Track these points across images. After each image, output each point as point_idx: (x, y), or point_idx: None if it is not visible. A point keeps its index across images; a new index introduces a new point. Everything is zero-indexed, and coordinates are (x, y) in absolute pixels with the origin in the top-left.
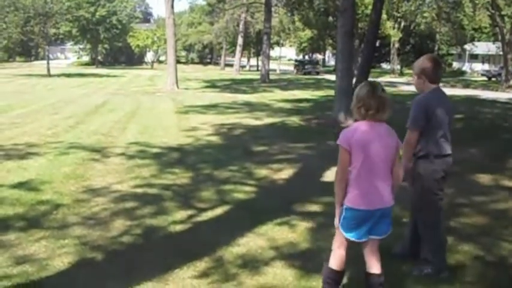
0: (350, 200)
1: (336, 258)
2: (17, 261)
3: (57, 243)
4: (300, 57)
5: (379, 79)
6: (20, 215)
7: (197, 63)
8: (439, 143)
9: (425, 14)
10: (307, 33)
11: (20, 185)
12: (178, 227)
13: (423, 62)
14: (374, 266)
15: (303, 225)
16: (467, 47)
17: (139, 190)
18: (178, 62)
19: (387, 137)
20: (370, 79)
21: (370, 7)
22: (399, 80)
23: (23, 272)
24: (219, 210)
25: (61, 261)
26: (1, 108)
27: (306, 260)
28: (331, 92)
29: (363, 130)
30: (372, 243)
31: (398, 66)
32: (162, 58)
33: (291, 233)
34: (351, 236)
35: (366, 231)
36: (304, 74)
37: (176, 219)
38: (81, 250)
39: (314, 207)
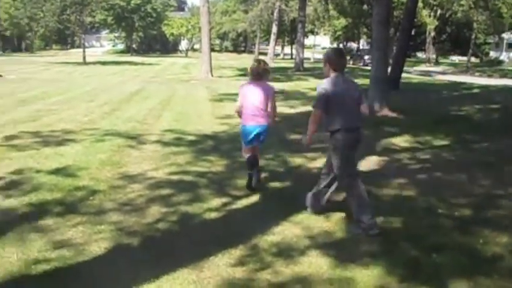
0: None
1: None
2: (55, 246)
3: (93, 228)
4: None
5: (414, 68)
6: (58, 200)
7: (231, 51)
8: (343, 119)
9: (462, 2)
10: (342, 21)
11: (57, 171)
12: (214, 215)
13: (329, 53)
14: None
15: (338, 215)
16: (505, 35)
17: (174, 177)
18: (212, 50)
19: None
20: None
21: None
22: (435, 69)
23: (60, 256)
24: (254, 198)
25: (97, 247)
26: (39, 95)
27: (341, 249)
28: (366, 81)
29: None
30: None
31: (434, 55)
32: (196, 46)
33: (326, 222)
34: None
35: None
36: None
37: (211, 206)
38: (117, 236)
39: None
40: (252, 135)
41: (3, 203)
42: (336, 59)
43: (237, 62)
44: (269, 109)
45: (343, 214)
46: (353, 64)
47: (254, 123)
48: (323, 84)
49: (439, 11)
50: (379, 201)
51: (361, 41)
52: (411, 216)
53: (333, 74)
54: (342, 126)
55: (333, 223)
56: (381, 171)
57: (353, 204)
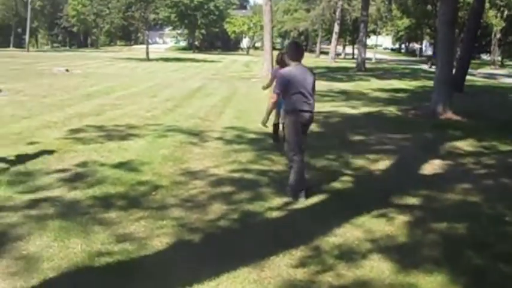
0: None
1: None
2: (117, 239)
3: (155, 223)
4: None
5: (478, 71)
6: (121, 194)
7: None
8: (297, 102)
9: None
10: (405, 21)
11: (120, 165)
12: (275, 214)
13: (288, 45)
14: None
15: (401, 218)
16: None
17: (236, 175)
18: (273, 48)
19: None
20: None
21: None
22: (500, 72)
23: (123, 250)
24: (315, 199)
25: (159, 242)
26: (103, 90)
27: (404, 254)
28: (429, 83)
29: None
30: None
31: (499, 58)
32: (257, 44)
33: (388, 225)
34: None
35: None
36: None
37: (272, 205)
38: (179, 232)
39: (412, 200)
40: None
41: (68, 195)
42: (294, 50)
43: None
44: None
45: (406, 218)
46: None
47: None
48: (284, 71)
49: (506, 12)
50: (443, 205)
51: (424, 42)
52: (476, 223)
53: (292, 63)
54: (297, 108)
55: (395, 227)
56: (444, 175)
57: (291, 172)
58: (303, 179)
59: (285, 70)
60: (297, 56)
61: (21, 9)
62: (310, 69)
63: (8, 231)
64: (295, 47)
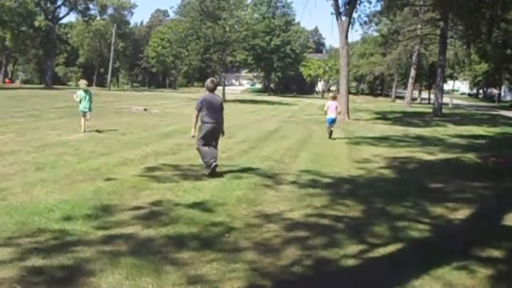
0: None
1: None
2: (189, 281)
3: (228, 266)
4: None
5: None
6: (194, 235)
7: (367, 94)
8: (206, 117)
9: None
10: (483, 66)
11: (194, 205)
12: (350, 262)
13: (207, 82)
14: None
15: (483, 272)
16: None
17: (310, 219)
18: (348, 92)
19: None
20: None
21: None
22: None
23: None
24: (391, 248)
25: (231, 285)
26: (180, 129)
27: None
28: (509, 129)
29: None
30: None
31: None
32: (332, 88)
33: (470, 279)
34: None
35: None
36: None
37: (348, 253)
38: (251, 276)
39: (495, 253)
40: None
41: (142, 233)
42: (208, 85)
43: (373, 105)
44: None
45: (488, 272)
46: None
47: None
48: (201, 98)
49: None
50: None
51: (503, 87)
52: None
53: (206, 93)
54: (207, 121)
55: (477, 280)
56: None
57: (200, 157)
58: (210, 156)
59: (202, 96)
60: (210, 89)
61: (104, 50)
62: (218, 96)
63: (82, 265)
64: (210, 83)
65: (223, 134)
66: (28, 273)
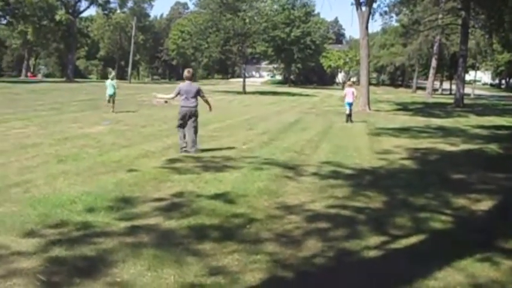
0: (183, 103)
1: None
2: (210, 272)
3: (249, 257)
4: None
5: None
6: (216, 226)
7: (388, 85)
8: (182, 102)
9: None
10: (506, 56)
11: (216, 196)
12: (372, 253)
13: (184, 72)
14: None
15: (507, 264)
16: None
17: (332, 211)
18: (369, 83)
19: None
20: None
21: None
22: None
23: (215, 283)
24: (413, 239)
25: (252, 277)
26: (200, 121)
27: None
28: None
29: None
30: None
31: None
32: (353, 79)
33: (494, 271)
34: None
35: None
36: None
37: (369, 244)
38: (273, 267)
39: None
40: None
41: (163, 224)
42: (186, 75)
43: (394, 96)
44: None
45: None
46: None
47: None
48: (179, 86)
49: None
50: None
51: None
52: None
53: (186, 81)
54: (183, 105)
55: (501, 273)
56: None
57: (179, 137)
58: (189, 140)
59: (181, 84)
60: (187, 78)
61: (125, 43)
62: (195, 84)
63: (104, 256)
64: (187, 73)
65: (210, 109)
66: (51, 264)
